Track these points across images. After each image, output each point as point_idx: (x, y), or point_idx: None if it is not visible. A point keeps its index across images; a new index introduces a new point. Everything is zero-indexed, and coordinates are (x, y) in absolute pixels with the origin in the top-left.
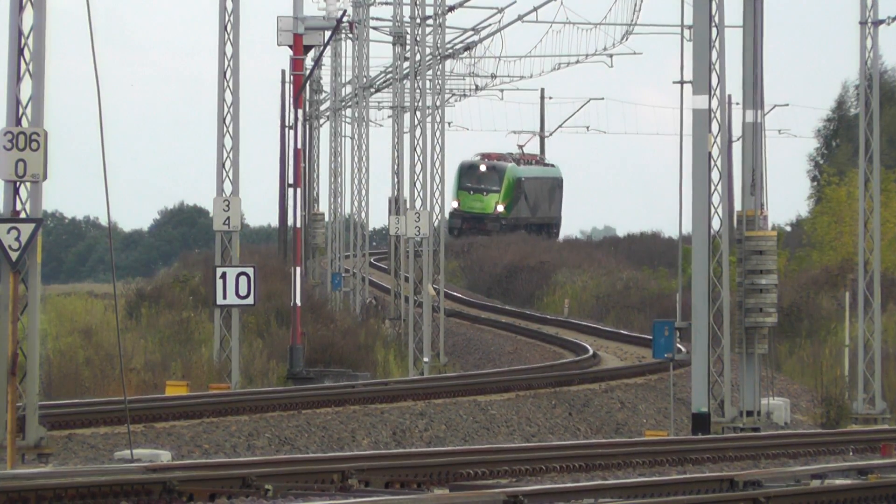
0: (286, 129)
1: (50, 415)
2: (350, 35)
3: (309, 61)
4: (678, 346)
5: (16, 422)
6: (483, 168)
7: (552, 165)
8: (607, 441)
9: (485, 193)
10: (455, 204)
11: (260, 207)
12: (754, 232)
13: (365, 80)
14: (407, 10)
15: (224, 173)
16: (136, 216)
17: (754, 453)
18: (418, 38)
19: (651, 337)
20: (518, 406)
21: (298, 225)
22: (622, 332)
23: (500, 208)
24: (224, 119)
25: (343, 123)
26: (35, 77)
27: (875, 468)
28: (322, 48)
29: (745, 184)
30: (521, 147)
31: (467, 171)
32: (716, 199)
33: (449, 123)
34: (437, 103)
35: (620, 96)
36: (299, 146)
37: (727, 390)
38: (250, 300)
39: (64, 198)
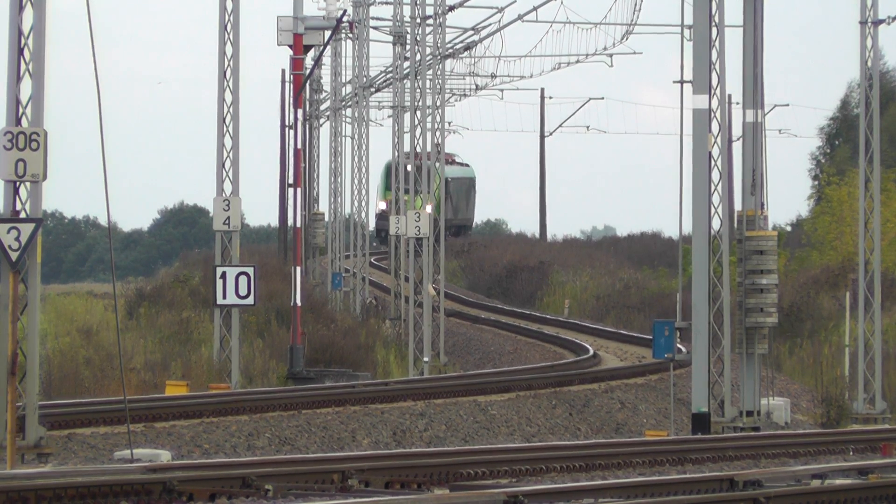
0: (286, 129)
1: (50, 414)
2: (350, 35)
3: (309, 61)
4: (678, 346)
5: (16, 422)
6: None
7: (467, 165)
8: (607, 441)
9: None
10: (382, 206)
11: (260, 207)
12: (754, 232)
13: (365, 79)
14: (407, 10)
15: (224, 173)
16: (136, 216)
17: (754, 453)
18: (418, 38)
19: (651, 337)
20: (518, 406)
21: (298, 225)
22: (622, 332)
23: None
24: (224, 119)
25: (343, 123)
26: (35, 77)
27: (875, 468)
28: (322, 48)
29: (746, 184)
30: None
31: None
32: (716, 199)
33: (449, 123)
34: (437, 103)
35: (620, 96)
36: (299, 146)
37: (727, 390)
38: (250, 300)
39: (64, 198)
